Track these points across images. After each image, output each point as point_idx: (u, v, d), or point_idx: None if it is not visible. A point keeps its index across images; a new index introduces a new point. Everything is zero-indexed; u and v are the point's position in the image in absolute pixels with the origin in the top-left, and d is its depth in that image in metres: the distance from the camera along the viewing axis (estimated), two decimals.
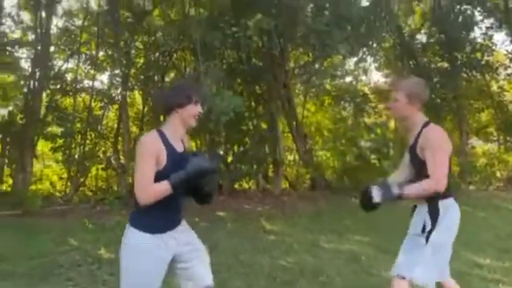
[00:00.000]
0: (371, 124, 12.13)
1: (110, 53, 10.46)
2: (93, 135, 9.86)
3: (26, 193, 7.98)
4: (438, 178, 2.31)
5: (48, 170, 10.67)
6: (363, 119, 12.04)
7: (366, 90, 13.02)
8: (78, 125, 9.63)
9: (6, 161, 9.22)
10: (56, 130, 9.39)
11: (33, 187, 9.12)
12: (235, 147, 10.29)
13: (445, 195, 2.41)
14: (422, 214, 2.48)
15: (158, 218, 2.20)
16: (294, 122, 10.23)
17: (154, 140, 2.16)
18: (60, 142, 9.21)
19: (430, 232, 2.41)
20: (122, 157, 9.61)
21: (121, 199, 8.06)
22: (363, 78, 13.67)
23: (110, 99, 10.14)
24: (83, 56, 10.35)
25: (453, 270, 4.33)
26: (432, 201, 2.43)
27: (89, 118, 9.69)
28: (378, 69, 12.90)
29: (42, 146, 10.18)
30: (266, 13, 6.82)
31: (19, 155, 8.71)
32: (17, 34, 10.10)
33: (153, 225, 2.20)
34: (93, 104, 9.93)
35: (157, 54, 10.19)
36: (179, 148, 2.26)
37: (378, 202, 2.32)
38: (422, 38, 12.05)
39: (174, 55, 10.33)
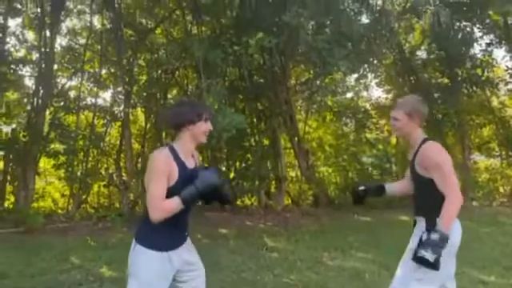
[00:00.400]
0: (373, 140, 12.15)
1: (112, 70, 10.57)
2: (95, 152, 9.89)
3: (28, 210, 7.96)
4: (451, 193, 2.35)
5: (50, 187, 10.67)
6: (365, 135, 12.06)
7: (367, 106, 13.07)
8: (81, 142, 9.67)
9: (9, 178, 9.23)
10: (59, 147, 9.43)
11: (35, 205, 9.11)
12: (237, 163, 10.30)
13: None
14: (420, 229, 2.50)
15: (165, 235, 2.25)
16: (296, 138, 10.25)
17: (166, 157, 2.21)
18: (62, 159, 9.24)
19: None
20: (124, 174, 9.62)
21: (123, 216, 8.04)
22: (364, 94, 13.75)
23: (113, 116, 10.21)
24: (86, 74, 10.45)
25: None
26: (430, 217, 2.44)
27: (91, 135, 9.73)
28: (378, 85, 12.97)
29: (45, 163, 10.19)
30: (268, 31, 6.90)
31: (22, 172, 8.72)
32: (21, 53, 10.23)
33: (160, 243, 2.25)
34: (95, 121, 9.99)
35: (159, 72, 10.30)
36: (190, 164, 2.33)
37: (437, 258, 2.27)
38: (422, 54, 12.14)
39: (177, 73, 10.43)
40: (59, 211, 9.59)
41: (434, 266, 2.27)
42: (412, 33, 11.84)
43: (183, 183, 2.18)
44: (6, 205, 9.01)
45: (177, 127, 2.32)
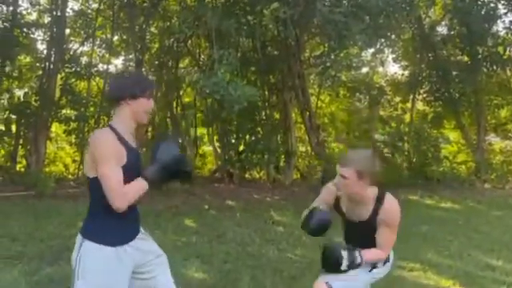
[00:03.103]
0: (386, 117, 11.96)
1: (124, 37, 10.43)
2: (106, 120, 9.88)
3: (39, 174, 8.06)
4: (387, 252, 2.42)
5: (62, 152, 10.76)
6: (378, 112, 11.86)
7: (383, 82, 12.80)
8: (92, 109, 9.66)
9: (21, 142, 9.32)
10: (70, 113, 9.44)
11: (46, 169, 9.21)
12: (247, 136, 10.24)
13: None
14: None
15: (117, 227, 1.99)
16: (308, 113, 10.11)
17: (113, 138, 1.96)
18: (73, 125, 9.26)
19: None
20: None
21: None
22: (380, 69, 13.44)
23: None
24: (98, 40, 10.33)
25: (462, 271, 4.29)
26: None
27: (102, 102, 9.70)
28: (395, 60, 12.64)
29: (56, 128, 10.26)
30: (283, 1, 6.67)
31: (33, 137, 8.79)
32: (33, 16, 10.12)
33: (113, 236, 1.98)
34: (107, 88, 9.93)
35: (171, 40, 10.13)
36: (133, 143, 2.08)
37: (345, 271, 2.24)
38: (442, 30, 11.76)
39: (189, 41, 10.26)
40: (70, 176, 9.70)
41: (336, 269, 2.23)
42: (433, 7, 11.39)
43: (132, 165, 1.96)
44: (17, 168, 9.13)
45: (116, 100, 2.05)
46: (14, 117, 9.17)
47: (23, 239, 4.91)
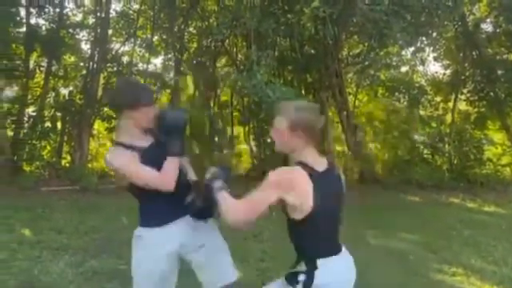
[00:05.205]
0: (426, 117, 11.62)
1: (164, 37, 10.68)
2: None
3: (83, 170, 8.39)
4: (241, 207, 1.85)
5: (104, 148, 11.14)
6: (418, 112, 11.55)
7: (423, 81, 12.45)
8: None
9: (66, 138, 9.72)
10: (111, 111, 9.75)
11: (89, 165, 9.57)
12: None
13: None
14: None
15: (162, 209, 2.09)
16: (345, 112, 9.99)
17: (119, 153, 2.01)
18: (115, 123, 9.57)
19: None
20: None
21: None
22: (420, 68, 13.06)
23: (163, 83, 10.38)
24: (139, 39, 10.62)
25: (507, 277, 4.13)
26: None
27: None
28: (436, 59, 12.25)
29: (99, 126, 10.63)
30: (323, 0, 6.62)
31: (77, 134, 9.15)
32: (78, 18, 10.53)
33: (158, 217, 2.10)
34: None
35: (209, 40, 10.28)
36: (145, 142, 2.08)
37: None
38: (487, 27, 11.29)
39: (226, 41, 10.37)
40: (111, 173, 10.01)
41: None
42: (477, 4, 10.97)
43: (150, 162, 2.00)
44: (62, 163, 9.53)
45: (117, 109, 2.12)
46: (59, 114, 9.58)
47: (69, 232, 5.14)
